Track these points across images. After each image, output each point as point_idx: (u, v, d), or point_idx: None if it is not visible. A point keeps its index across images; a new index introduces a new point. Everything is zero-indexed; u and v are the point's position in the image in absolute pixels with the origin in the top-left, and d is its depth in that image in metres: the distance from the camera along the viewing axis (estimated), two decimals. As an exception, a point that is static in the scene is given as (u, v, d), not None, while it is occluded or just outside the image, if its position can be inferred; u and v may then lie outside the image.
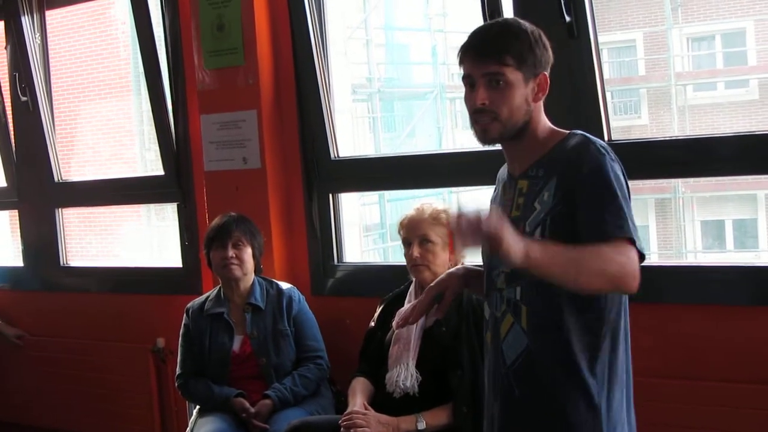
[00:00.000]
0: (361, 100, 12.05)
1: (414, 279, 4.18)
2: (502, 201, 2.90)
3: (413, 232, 4.07)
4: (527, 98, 2.75)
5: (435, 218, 4.07)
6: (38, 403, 6.20)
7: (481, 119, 2.76)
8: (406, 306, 4.07)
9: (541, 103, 2.79)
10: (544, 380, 2.75)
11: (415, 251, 4.04)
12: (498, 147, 2.84)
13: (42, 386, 6.13)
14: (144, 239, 6.12)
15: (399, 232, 4.15)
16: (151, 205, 5.96)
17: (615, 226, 2.60)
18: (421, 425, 3.89)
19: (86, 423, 5.95)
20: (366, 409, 3.96)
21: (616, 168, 2.67)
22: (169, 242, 5.57)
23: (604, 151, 2.68)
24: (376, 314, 4.29)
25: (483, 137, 2.78)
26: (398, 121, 14.08)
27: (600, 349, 2.71)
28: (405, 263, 4.16)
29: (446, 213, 4.09)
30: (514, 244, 2.44)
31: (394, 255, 7.44)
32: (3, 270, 6.56)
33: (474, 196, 6.95)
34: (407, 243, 4.09)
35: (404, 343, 4.03)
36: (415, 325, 4.01)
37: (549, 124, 2.83)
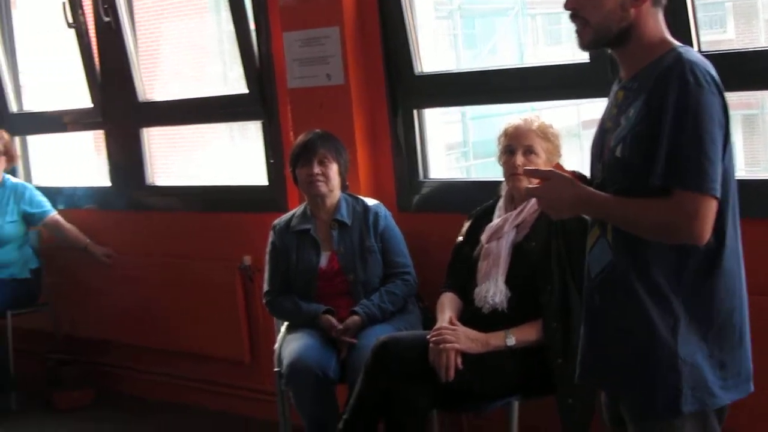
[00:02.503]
0: (442, 17, 11.94)
1: (503, 193, 4.15)
2: (607, 106, 2.86)
3: (519, 140, 4.02)
4: (623, 3, 2.68)
5: (543, 132, 4.03)
6: (126, 321, 6.30)
7: (574, 25, 2.73)
8: (496, 221, 4.08)
9: (651, 9, 2.72)
10: (624, 295, 2.73)
11: (519, 159, 3.99)
12: (583, 60, 2.81)
13: (130, 304, 6.23)
14: (228, 157, 6.13)
15: (499, 140, 4.10)
16: (235, 124, 5.95)
17: (678, 175, 2.57)
18: (510, 341, 3.88)
19: (175, 340, 6.05)
20: (454, 324, 3.96)
21: (709, 102, 2.57)
22: (254, 160, 5.58)
23: (702, 81, 2.57)
24: (464, 229, 4.27)
25: (579, 43, 2.76)
26: (479, 39, 13.94)
27: (686, 268, 2.66)
28: (491, 179, 4.12)
29: (553, 129, 4.04)
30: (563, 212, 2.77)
31: (477, 173, 7.40)
32: (90, 190, 6.63)
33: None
34: (509, 150, 4.03)
35: (493, 258, 4.02)
36: (504, 240, 4.00)
37: (662, 32, 2.75)
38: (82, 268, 6.49)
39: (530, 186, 2.95)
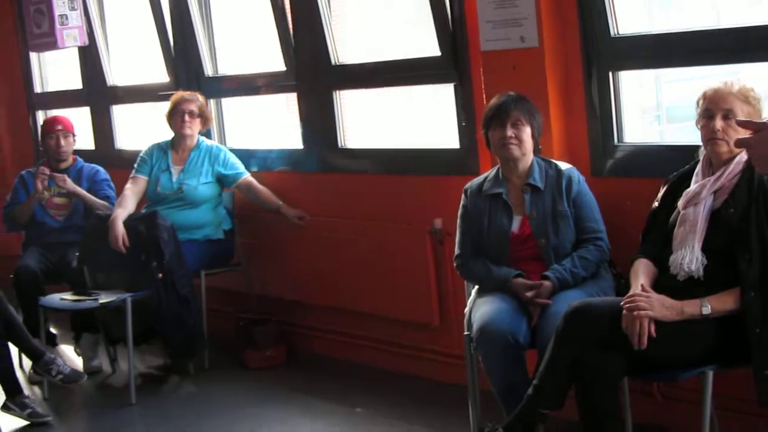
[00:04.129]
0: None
1: (701, 158, 4.11)
2: None
3: (718, 104, 3.98)
4: None
5: (744, 95, 3.98)
6: (317, 282, 6.47)
7: None
8: (693, 186, 4.05)
9: None
10: None
11: (718, 123, 3.95)
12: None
13: (322, 266, 6.39)
14: (420, 120, 6.19)
15: (698, 104, 4.07)
16: (427, 86, 6.01)
17: None
18: (706, 310, 3.85)
19: (364, 302, 6.19)
20: (647, 291, 3.96)
21: None
22: (446, 123, 5.63)
23: None
24: (660, 194, 4.25)
25: None
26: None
27: None
28: (687, 144, 4.08)
29: (754, 93, 3.98)
30: None
31: (671, 138, 7.29)
32: (283, 152, 6.81)
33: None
34: (708, 115, 4.00)
35: (690, 225, 3.99)
36: (701, 206, 3.97)
37: None
38: (275, 230, 6.68)
39: (741, 137, 2.92)
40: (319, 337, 6.65)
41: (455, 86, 5.58)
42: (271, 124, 7.23)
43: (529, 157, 4.68)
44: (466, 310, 4.75)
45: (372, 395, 5.79)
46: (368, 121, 6.44)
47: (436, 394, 5.70)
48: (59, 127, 7.02)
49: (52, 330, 7.09)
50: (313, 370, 6.40)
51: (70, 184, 6.83)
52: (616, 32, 4.88)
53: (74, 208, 6.92)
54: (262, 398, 5.95)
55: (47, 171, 6.82)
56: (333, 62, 6.31)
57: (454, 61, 5.52)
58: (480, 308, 4.54)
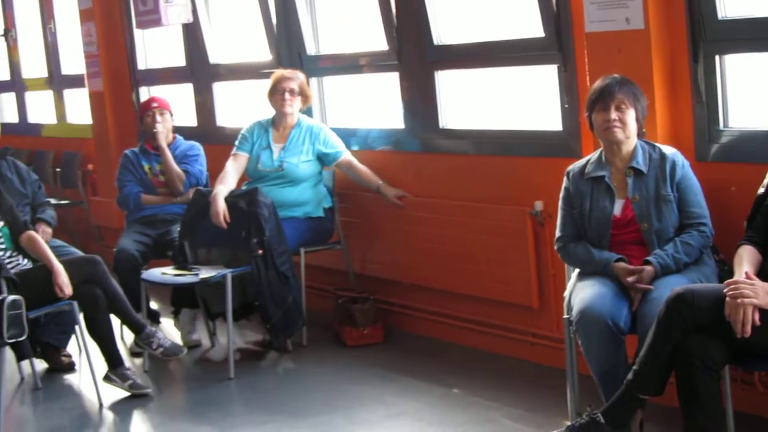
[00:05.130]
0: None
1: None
2: None
3: None
4: None
5: None
6: (416, 262, 6.52)
7: None
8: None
9: None
10: None
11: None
12: None
13: (421, 245, 6.44)
14: (522, 102, 6.18)
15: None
16: (529, 67, 6.00)
17: None
18: (812, 298, 3.83)
19: (463, 283, 6.22)
20: (752, 278, 3.94)
21: None
22: (548, 105, 5.63)
23: None
24: (766, 180, 4.22)
25: None
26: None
27: None
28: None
29: None
30: None
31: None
32: (384, 132, 6.86)
33: None
34: None
35: (797, 211, 3.96)
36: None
37: None
38: (374, 209, 6.76)
39: None
40: (416, 317, 6.70)
41: (558, 68, 5.58)
42: (372, 104, 7.27)
43: (633, 140, 4.67)
44: (566, 293, 4.77)
45: (469, 376, 5.83)
46: (470, 101, 6.44)
47: (534, 376, 5.73)
48: (155, 105, 7.19)
49: (154, 307, 7.24)
50: (410, 349, 6.46)
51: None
52: (723, 15, 4.83)
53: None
54: (359, 376, 6.03)
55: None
56: (435, 42, 6.34)
57: (557, 43, 5.52)
58: (580, 292, 4.56)
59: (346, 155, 6.74)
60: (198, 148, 7.24)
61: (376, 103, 7.19)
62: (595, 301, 4.41)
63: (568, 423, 4.45)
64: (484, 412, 5.28)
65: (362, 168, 6.68)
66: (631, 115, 4.61)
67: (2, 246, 5.92)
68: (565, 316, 4.67)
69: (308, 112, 7.05)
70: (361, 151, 6.87)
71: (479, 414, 5.25)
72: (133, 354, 6.68)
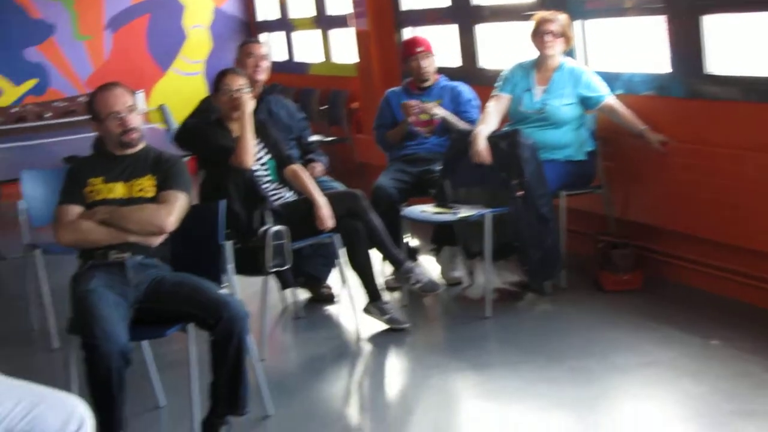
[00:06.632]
0: None
1: None
2: None
3: None
4: None
5: None
6: (676, 208, 6.47)
7: None
8: None
9: None
10: None
11: None
12: None
13: (683, 192, 6.37)
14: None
15: None
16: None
17: None
18: None
19: (724, 232, 6.12)
20: None
21: None
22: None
23: None
24: None
25: None
26: None
27: None
28: None
29: None
30: None
31: None
32: (649, 77, 6.77)
33: None
34: None
35: None
36: None
37: None
38: (636, 153, 6.72)
39: None
40: (676, 265, 6.66)
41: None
42: (637, 47, 7.19)
43: None
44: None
45: (728, 328, 5.76)
46: (738, 46, 6.29)
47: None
48: (420, 49, 7.33)
49: (414, 244, 7.44)
50: (668, 297, 6.43)
51: (440, 111, 7.14)
52: None
53: (439, 123, 7.22)
54: (616, 322, 6.05)
55: (416, 105, 7.15)
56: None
57: (835, -14, 5.35)
58: None
59: (609, 99, 6.71)
60: (468, 90, 7.35)
61: (641, 47, 7.11)
62: None
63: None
64: (743, 365, 5.21)
65: (625, 112, 6.64)
66: None
67: (268, 178, 6.21)
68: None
69: (571, 54, 7.04)
70: (625, 95, 6.81)
71: (738, 367, 5.19)
72: (390, 288, 6.91)
